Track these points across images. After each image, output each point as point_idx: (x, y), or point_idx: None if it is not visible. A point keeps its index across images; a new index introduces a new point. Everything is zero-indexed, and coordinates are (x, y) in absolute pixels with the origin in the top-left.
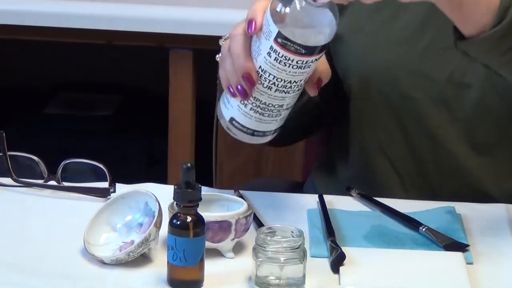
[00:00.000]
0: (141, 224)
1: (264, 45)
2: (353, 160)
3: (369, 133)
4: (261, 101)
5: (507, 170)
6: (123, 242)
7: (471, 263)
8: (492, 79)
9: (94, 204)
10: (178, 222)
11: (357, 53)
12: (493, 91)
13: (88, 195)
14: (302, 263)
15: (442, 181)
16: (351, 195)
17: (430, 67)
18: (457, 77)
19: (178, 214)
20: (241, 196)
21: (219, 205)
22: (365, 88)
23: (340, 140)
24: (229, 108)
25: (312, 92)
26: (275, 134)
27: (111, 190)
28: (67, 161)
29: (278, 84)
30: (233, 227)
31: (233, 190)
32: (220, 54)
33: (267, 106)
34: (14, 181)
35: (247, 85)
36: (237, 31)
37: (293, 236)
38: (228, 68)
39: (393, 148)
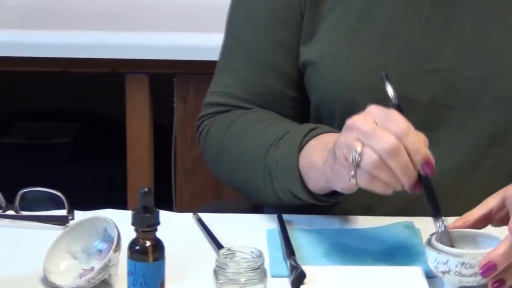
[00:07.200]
0: (100, 251)
1: None
2: None
3: None
4: None
5: (486, 194)
6: (83, 269)
7: (432, 277)
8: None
9: (53, 232)
10: (137, 247)
11: (339, 78)
12: (476, 114)
13: (47, 223)
14: (262, 283)
15: (419, 202)
16: (311, 213)
17: (412, 91)
18: (439, 99)
19: (137, 239)
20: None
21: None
22: (350, 112)
23: None
24: None
25: None
26: None
27: (70, 217)
28: (25, 190)
29: None
30: None
31: (191, 213)
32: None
33: None
34: None
35: None
36: None
37: (252, 257)
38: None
39: None
